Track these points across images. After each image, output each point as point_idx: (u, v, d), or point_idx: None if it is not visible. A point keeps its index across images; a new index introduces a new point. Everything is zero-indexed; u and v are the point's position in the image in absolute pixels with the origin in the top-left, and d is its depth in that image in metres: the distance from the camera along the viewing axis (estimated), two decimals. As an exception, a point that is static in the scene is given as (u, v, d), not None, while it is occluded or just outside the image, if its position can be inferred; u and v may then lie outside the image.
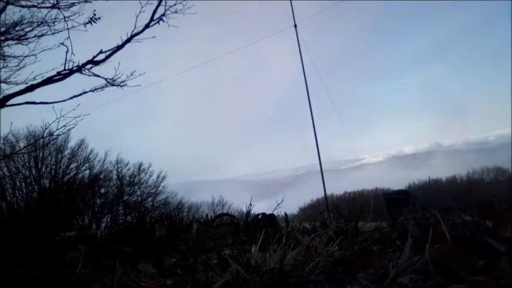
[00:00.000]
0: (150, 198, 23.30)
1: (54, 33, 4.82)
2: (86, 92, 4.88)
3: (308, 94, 3.32)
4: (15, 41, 4.87)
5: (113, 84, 5.03)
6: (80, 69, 4.70)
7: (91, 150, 22.80)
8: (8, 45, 4.87)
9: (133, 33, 4.86)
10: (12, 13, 4.74)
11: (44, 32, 4.87)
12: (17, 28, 4.82)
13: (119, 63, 4.84)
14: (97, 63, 4.81)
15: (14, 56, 4.98)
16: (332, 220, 2.19)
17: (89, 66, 4.75)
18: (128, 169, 22.95)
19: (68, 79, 4.75)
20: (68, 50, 4.40)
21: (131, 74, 5.04)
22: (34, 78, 4.69)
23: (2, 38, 4.72)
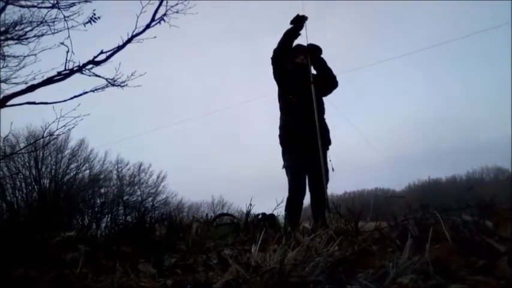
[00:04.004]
0: (150, 198, 23.42)
1: (54, 33, 4.85)
2: (86, 92, 4.90)
3: (312, 95, 3.33)
4: (15, 41, 4.88)
5: (113, 85, 5.05)
6: (80, 69, 4.72)
7: (91, 150, 22.88)
8: (7, 45, 4.89)
9: (134, 33, 4.88)
10: (12, 13, 4.75)
11: (44, 31, 4.91)
12: (16, 28, 4.83)
13: (120, 64, 4.86)
14: (98, 63, 4.83)
15: (14, 56, 5.00)
16: (332, 220, 2.19)
17: (89, 66, 4.78)
18: (128, 169, 23.07)
19: (69, 79, 4.77)
20: (68, 50, 4.43)
21: (132, 75, 5.06)
22: (34, 78, 4.71)
23: (2, 37, 4.73)
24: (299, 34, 3.64)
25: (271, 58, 3.67)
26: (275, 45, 3.64)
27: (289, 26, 3.61)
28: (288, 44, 3.62)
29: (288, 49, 3.64)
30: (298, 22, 3.59)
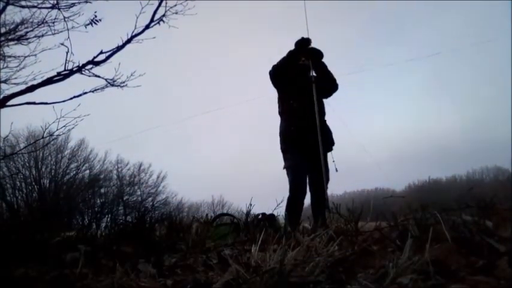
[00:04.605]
0: (150, 198, 23.43)
1: (54, 33, 4.84)
2: (86, 93, 4.90)
3: (312, 97, 3.33)
4: (16, 42, 4.88)
5: (113, 85, 5.05)
6: (80, 69, 4.71)
7: (91, 150, 22.90)
8: (8, 46, 4.89)
9: (134, 33, 4.88)
10: (13, 13, 4.76)
11: (44, 32, 4.90)
12: (17, 28, 4.83)
13: (119, 64, 4.86)
14: (97, 63, 4.83)
15: (15, 57, 5.00)
16: (332, 220, 2.19)
17: (89, 66, 4.77)
18: (128, 169, 23.09)
19: (69, 79, 4.77)
20: (68, 51, 4.43)
21: (131, 75, 5.06)
22: (34, 79, 4.71)
23: (3, 38, 4.73)
24: (301, 57, 3.67)
25: (270, 72, 3.69)
26: (276, 62, 3.65)
27: (293, 45, 3.63)
28: (288, 64, 3.65)
29: (287, 68, 3.66)
30: (303, 45, 3.63)
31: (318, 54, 3.74)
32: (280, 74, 3.65)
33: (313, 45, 3.72)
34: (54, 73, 4.66)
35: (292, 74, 3.69)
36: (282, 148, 3.66)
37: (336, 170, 3.54)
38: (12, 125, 4.81)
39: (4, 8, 4.69)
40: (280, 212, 3.18)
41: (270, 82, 3.76)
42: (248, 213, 2.92)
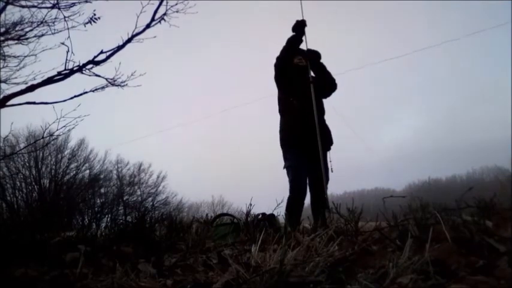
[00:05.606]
0: (150, 198, 23.37)
1: (54, 33, 4.85)
2: (86, 92, 4.90)
3: (313, 98, 3.33)
4: (15, 41, 4.89)
5: (113, 84, 5.06)
6: (80, 69, 4.72)
7: (91, 150, 22.83)
8: (8, 45, 4.89)
9: (134, 33, 4.89)
10: (12, 13, 4.76)
11: (44, 32, 4.90)
12: (17, 28, 4.84)
13: (120, 63, 4.87)
14: (98, 63, 4.83)
15: (14, 56, 5.00)
16: (332, 220, 2.19)
17: (89, 66, 4.78)
18: (128, 169, 23.04)
19: (69, 79, 4.77)
20: (68, 50, 4.43)
21: (132, 74, 5.07)
22: (34, 79, 4.72)
23: (2, 38, 4.73)
24: (301, 40, 3.71)
25: (275, 65, 3.73)
26: (278, 53, 3.68)
27: (291, 34, 3.66)
28: (291, 50, 3.68)
29: (290, 56, 3.70)
30: (299, 28, 3.64)
31: (315, 55, 3.77)
32: (285, 63, 3.66)
33: (310, 46, 3.76)
34: (54, 73, 4.67)
35: (291, 73, 3.71)
36: (281, 145, 3.68)
37: (331, 171, 3.56)
38: (12, 125, 4.83)
39: (4, 8, 4.70)
40: (280, 212, 3.18)
41: (274, 78, 3.77)
42: (248, 213, 2.92)
